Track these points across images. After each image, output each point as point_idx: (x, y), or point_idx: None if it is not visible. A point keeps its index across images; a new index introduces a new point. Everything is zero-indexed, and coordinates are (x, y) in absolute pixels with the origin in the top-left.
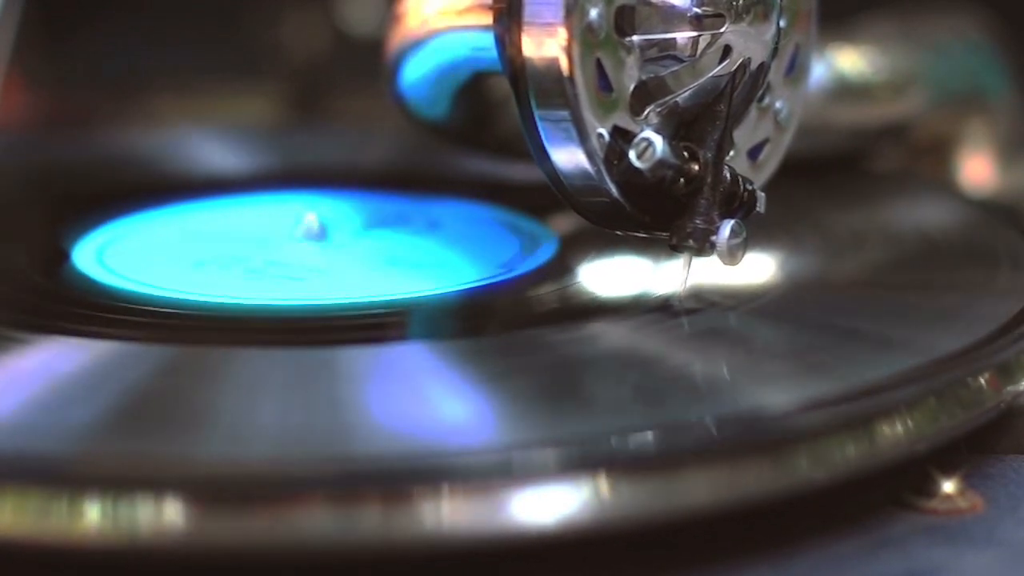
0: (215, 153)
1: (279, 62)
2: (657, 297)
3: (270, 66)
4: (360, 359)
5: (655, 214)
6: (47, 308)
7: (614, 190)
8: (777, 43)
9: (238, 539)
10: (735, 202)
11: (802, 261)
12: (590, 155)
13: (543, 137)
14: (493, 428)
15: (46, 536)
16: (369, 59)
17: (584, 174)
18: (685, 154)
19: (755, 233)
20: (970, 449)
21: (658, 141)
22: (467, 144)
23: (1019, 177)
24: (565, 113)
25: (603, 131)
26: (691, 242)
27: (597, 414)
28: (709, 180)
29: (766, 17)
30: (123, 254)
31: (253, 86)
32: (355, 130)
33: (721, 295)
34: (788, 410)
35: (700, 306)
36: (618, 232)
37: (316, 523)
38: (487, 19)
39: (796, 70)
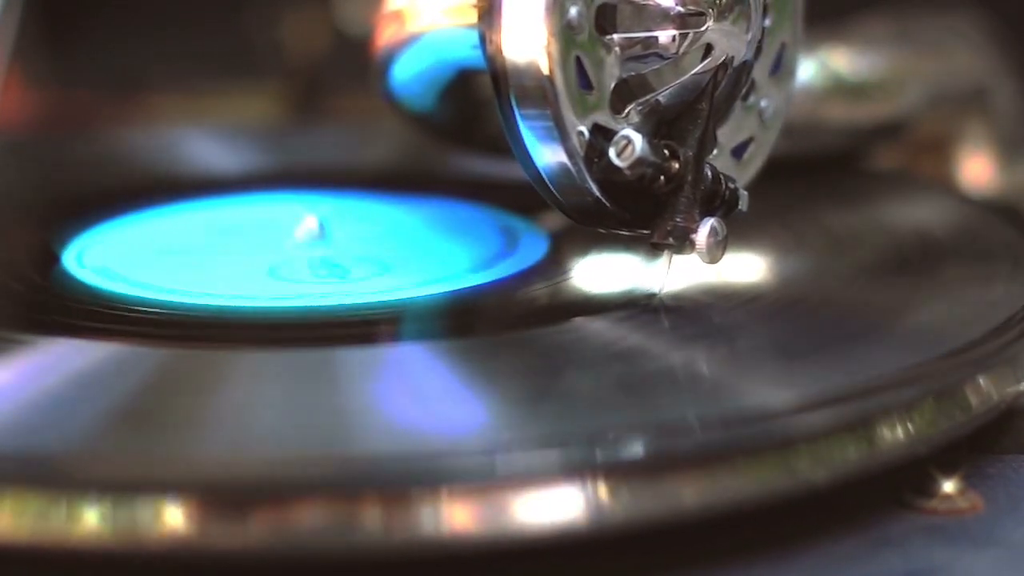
0: (214, 153)
1: (278, 62)
2: (654, 296)
3: (270, 66)
4: (359, 360)
5: (637, 212)
6: (46, 309)
7: (595, 188)
8: (761, 42)
9: (237, 540)
10: (716, 200)
11: (801, 260)
12: (570, 154)
13: (524, 136)
14: (492, 429)
15: (45, 538)
16: (368, 59)
17: (565, 173)
18: (666, 152)
19: (754, 233)
20: (970, 449)
21: (637, 139)
22: (456, 142)
23: (1019, 177)
24: (545, 112)
25: (583, 129)
26: (671, 240)
27: (596, 415)
28: (690, 178)
29: (749, 16)
30: (123, 254)
31: (253, 86)
32: (354, 130)
33: (719, 295)
34: (788, 410)
35: (699, 306)
36: (601, 230)
37: (315, 524)
38: (474, 17)
39: (782, 69)
